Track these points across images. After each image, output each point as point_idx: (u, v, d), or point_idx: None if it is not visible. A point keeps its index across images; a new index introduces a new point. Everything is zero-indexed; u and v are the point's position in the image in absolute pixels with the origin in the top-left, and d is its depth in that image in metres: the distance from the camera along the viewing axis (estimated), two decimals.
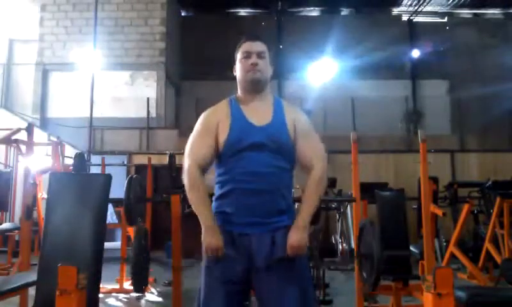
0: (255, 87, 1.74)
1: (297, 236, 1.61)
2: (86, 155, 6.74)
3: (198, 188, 1.65)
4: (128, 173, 7.68)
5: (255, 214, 1.63)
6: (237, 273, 1.61)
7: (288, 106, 1.79)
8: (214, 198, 1.74)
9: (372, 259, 1.73)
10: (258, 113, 1.72)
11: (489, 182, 5.12)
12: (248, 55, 1.73)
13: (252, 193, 1.62)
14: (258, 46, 1.74)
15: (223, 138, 1.68)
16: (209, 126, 1.72)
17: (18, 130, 4.16)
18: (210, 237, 1.60)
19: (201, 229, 1.72)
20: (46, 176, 4.62)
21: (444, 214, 4.33)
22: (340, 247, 6.28)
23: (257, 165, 1.63)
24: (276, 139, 1.67)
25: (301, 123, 1.74)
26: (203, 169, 1.69)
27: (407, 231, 3.61)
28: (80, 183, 2.30)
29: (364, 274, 1.82)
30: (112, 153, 8.12)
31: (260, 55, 1.73)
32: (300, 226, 1.63)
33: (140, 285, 1.92)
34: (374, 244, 1.74)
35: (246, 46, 1.74)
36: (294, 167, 1.74)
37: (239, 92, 1.80)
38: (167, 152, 5.36)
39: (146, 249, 1.73)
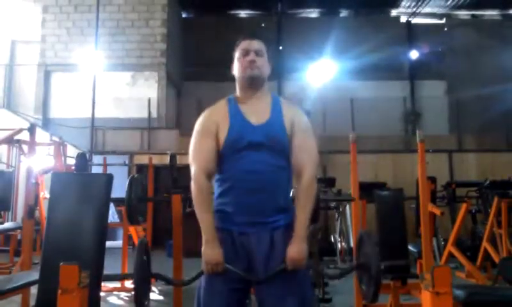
0: (253, 84, 1.74)
1: (297, 248, 1.60)
2: (87, 155, 6.77)
3: (204, 197, 1.66)
4: (129, 172, 7.72)
5: (254, 213, 1.64)
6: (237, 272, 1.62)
7: (286, 104, 1.79)
8: (214, 197, 1.74)
9: (371, 272, 1.73)
10: (256, 111, 1.72)
11: (487, 182, 5.14)
12: (245, 52, 1.73)
13: (251, 192, 1.63)
14: (256, 44, 1.74)
15: (222, 137, 1.69)
16: (209, 127, 1.72)
17: (21, 130, 4.18)
18: (210, 250, 1.60)
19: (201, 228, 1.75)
20: (48, 176, 4.67)
21: (442, 214, 4.37)
22: (339, 246, 6.30)
23: (256, 164, 1.64)
24: (273, 138, 1.67)
25: (299, 122, 1.74)
26: (210, 175, 1.69)
27: (405, 231, 3.61)
28: (82, 183, 2.30)
29: (363, 287, 1.83)
30: (114, 153, 8.16)
31: (258, 52, 1.73)
32: (298, 238, 1.62)
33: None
34: (372, 256, 1.73)
35: (244, 44, 1.75)
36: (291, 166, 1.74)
37: (237, 91, 1.80)
38: (168, 152, 5.38)
39: (148, 266, 1.66)
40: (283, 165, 1.69)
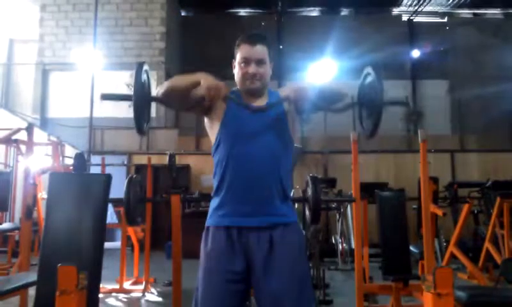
0: (254, 94, 1.72)
1: (301, 84, 1.61)
2: (86, 155, 6.74)
3: (178, 77, 1.67)
4: (128, 173, 7.68)
5: (252, 201, 1.60)
6: (236, 272, 1.59)
7: (282, 88, 1.79)
8: (212, 193, 1.71)
9: (373, 104, 1.68)
10: (256, 102, 1.71)
11: (489, 182, 5.11)
12: (246, 61, 1.67)
13: (249, 177, 1.60)
14: (258, 52, 1.67)
15: (218, 121, 1.67)
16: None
17: (18, 130, 4.15)
18: (208, 78, 1.58)
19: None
20: (46, 176, 4.62)
21: (444, 214, 4.34)
22: (340, 247, 6.27)
23: (254, 148, 1.61)
24: (273, 123, 1.65)
25: (291, 87, 1.72)
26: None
27: (407, 231, 3.60)
28: (80, 183, 2.30)
29: (363, 122, 1.78)
30: (113, 153, 8.13)
31: (259, 62, 1.67)
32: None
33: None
34: (375, 88, 1.67)
35: (245, 50, 1.67)
36: (292, 153, 1.71)
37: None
38: (167, 152, 5.36)
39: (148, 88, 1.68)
40: (283, 150, 1.66)
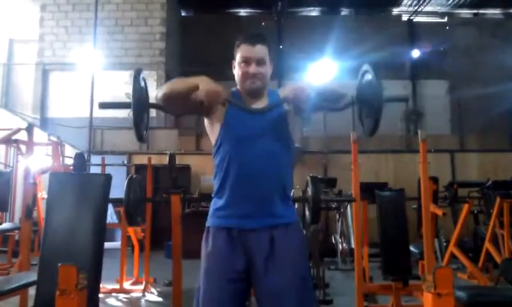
0: (254, 94, 1.71)
1: (300, 84, 1.61)
2: (86, 155, 6.74)
3: (177, 80, 1.65)
4: (128, 173, 7.68)
5: (253, 202, 1.60)
6: (237, 271, 1.59)
7: (282, 88, 1.78)
8: (212, 194, 1.71)
9: (372, 104, 1.67)
10: (257, 103, 1.70)
11: (489, 182, 5.11)
12: (246, 61, 1.66)
13: (250, 179, 1.60)
14: (258, 51, 1.66)
15: (218, 123, 1.66)
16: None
17: (18, 130, 4.14)
18: (207, 83, 1.55)
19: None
20: (46, 176, 4.62)
21: (444, 214, 4.34)
22: (340, 247, 6.27)
23: (255, 150, 1.61)
24: (273, 124, 1.65)
25: (293, 85, 1.69)
26: None
27: (407, 231, 3.60)
28: (80, 183, 2.29)
29: (362, 120, 1.77)
30: (113, 153, 8.12)
31: (260, 62, 1.66)
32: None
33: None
34: (375, 87, 1.66)
35: (245, 50, 1.66)
36: (292, 154, 1.71)
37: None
38: (167, 152, 5.36)
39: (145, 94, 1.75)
40: (283, 153, 1.66)
